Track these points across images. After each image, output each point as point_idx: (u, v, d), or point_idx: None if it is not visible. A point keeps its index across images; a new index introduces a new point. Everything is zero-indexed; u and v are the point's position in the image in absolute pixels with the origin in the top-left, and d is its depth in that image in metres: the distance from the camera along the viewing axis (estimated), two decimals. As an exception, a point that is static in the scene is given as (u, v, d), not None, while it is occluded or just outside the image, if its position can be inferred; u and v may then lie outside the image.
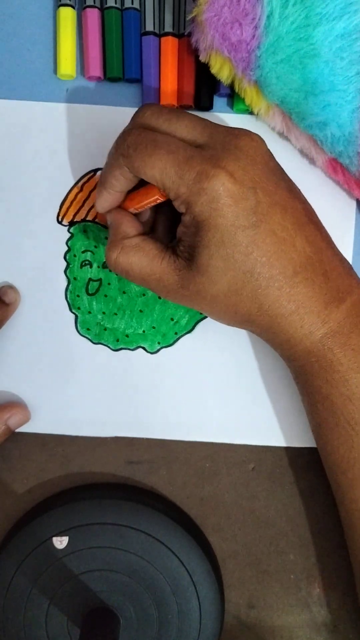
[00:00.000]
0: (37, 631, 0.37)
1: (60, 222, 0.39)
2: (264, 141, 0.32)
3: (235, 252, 0.30)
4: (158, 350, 0.39)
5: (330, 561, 0.39)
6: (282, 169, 0.33)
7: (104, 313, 0.39)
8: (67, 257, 0.39)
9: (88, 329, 0.39)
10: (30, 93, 0.39)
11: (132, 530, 0.37)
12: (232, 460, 0.39)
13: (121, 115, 0.39)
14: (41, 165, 0.39)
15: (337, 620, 0.39)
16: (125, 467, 0.39)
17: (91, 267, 0.39)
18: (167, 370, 0.39)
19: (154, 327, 0.39)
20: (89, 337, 0.39)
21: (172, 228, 0.37)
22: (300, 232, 0.31)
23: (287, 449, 0.39)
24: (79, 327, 0.39)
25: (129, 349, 0.39)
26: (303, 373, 0.33)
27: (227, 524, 0.39)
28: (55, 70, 0.39)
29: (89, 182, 0.39)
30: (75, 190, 0.39)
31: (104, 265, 0.39)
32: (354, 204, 0.39)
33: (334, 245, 0.33)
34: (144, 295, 0.39)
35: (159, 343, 0.39)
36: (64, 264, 0.39)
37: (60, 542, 0.37)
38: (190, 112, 0.38)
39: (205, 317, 0.39)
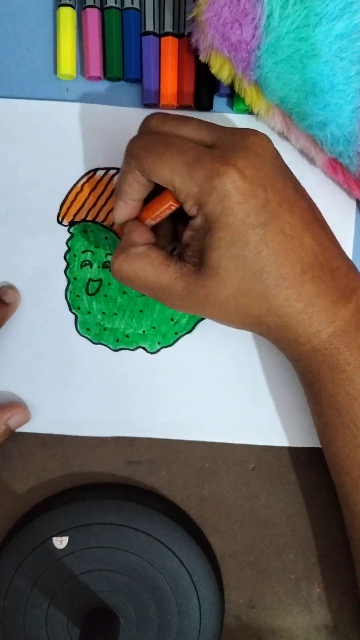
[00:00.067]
0: (37, 631, 0.37)
1: (60, 222, 0.39)
2: (270, 140, 0.32)
3: (246, 251, 0.30)
4: (158, 350, 0.39)
5: (330, 561, 0.39)
6: (288, 168, 0.33)
7: (104, 313, 0.39)
8: (67, 257, 0.39)
9: (88, 329, 0.39)
10: (30, 93, 0.39)
11: (132, 530, 0.37)
12: (232, 460, 0.39)
13: (121, 115, 0.39)
14: (41, 165, 0.39)
15: (337, 620, 0.39)
16: (125, 467, 0.39)
17: (91, 267, 0.39)
18: (167, 370, 0.39)
19: (154, 327, 0.39)
20: (89, 337, 0.39)
21: (174, 235, 0.37)
22: (308, 231, 0.32)
23: (287, 449, 0.39)
24: (79, 327, 0.39)
25: (129, 349, 0.39)
26: (309, 372, 0.33)
27: (227, 524, 0.39)
28: (55, 70, 0.39)
29: (89, 182, 0.39)
30: (75, 190, 0.39)
31: (104, 265, 0.39)
32: (354, 204, 0.39)
33: (339, 244, 0.34)
34: (144, 295, 0.39)
35: (159, 343, 0.39)
36: (64, 264, 0.39)
37: (60, 542, 0.37)
38: (191, 112, 0.38)
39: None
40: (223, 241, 0.30)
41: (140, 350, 0.39)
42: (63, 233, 0.39)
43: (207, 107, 0.39)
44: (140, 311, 0.39)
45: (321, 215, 0.33)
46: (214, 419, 0.39)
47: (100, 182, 0.39)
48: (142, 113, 0.39)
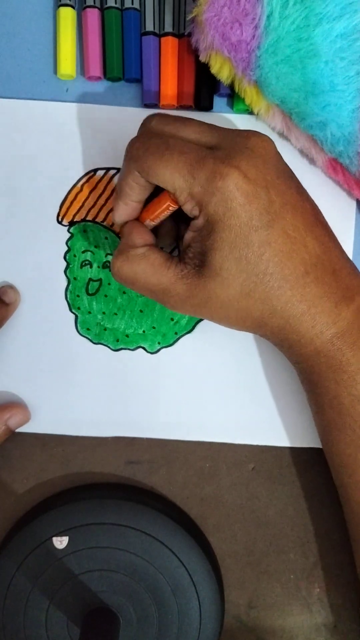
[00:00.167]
0: (37, 631, 0.37)
1: (60, 222, 0.39)
2: (273, 142, 0.32)
3: (249, 252, 0.30)
4: (158, 350, 0.39)
5: (330, 561, 0.39)
6: (290, 169, 0.33)
7: (104, 313, 0.39)
8: (67, 257, 0.39)
9: (88, 329, 0.39)
10: (30, 93, 0.39)
11: (132, 530, 0.37)
12: (232, 460, 0.39)
13: (121, 115, 0.39)
14: (41, 165, 0.39)
15: (337, 620, 0.39)
16: (125, 467, 0.39)
17: (91, 267, 0.39)
18: (167, 370, 0.39)
19: (154, 327, 0.39)
20: (89, 337, 0.39)
21: (174, 237, 0.37)
22: (310, 232, 0.31)
23: (287, 449, 0.39)
24: (79, 327, 0.39)
25: (129, 349, 0.39)
26: (311, 374, 0.33)
27: (227, 524, 0.39)
28: (55, 70, 0.39)
29: (89, 182, 0.39)
30: (76, 190, 0.39)
31: (104, 265, 0.39)
32: (354, 204, 0.39)
33: (340, 245, 0.34)
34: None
35: (159, 343, 0.39)
36: (64, 264, 0.39)
37: (60, 542, 0.37)
38: (191, 113, 0.39)
39: (205, 317, 0.39)
40: (225, 242, 0.30)
41: (141, 350, 0.39)
42: (63, 233, 0.39)
43: (207, 107, 0.39)
44: (141, 311, 0.39)
45: (323, 217, 0.33)
46: (214, 419, 0.39)
47: (100, 182, 0.39)
48: (142, 113, 0.39)
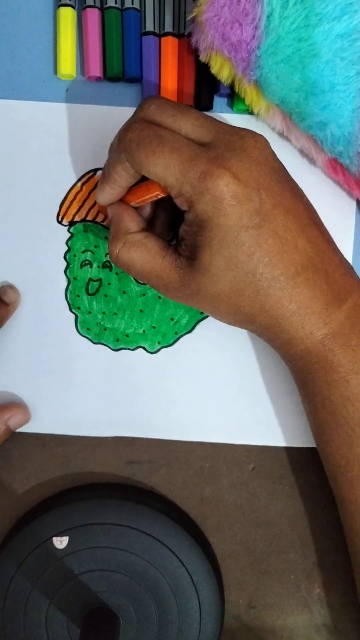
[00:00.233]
0: (37, 631, 0.37)
1: (60, 222, 0.39)
2: (268, 143, 0.32)
3: (238, 252, 0.30)
4: (158, 350, 0.39)
5: (330, 561, 0.39)
6: (285, 170, 0.33)
7: (104, 313, 0.39)
8: (67, 257, 0.39)
9: (88, 329, 0.39)
10: (30, 93, 0.39)
11: (132, 530, 0.37)
12: (232, 460, 0.39)
13: (121, 115, 0.39)
14: (41, 165, 0.39)
15: (337, 620, 0.39)
16: (125, 467, 0.39)
17: (91, 267, 0.39)
18: (167, 370, 0.39)
19: (154, 327, 0.39)
20: (89, 337, 0.39)
21: (172, 224, 0.37)
22: (303, 233, 0.31)
23: (287, 449, 0.39)
24: (79, 327, 0.39)
25: (129, 349, 0.39)
26: (303, 374, 0.33)
27: (227, 524, 0.39)
28: (55, 70, 0.39)
29: (89, 182, 0.39)
30: (75, 190, 0.39)
31: (104, 265, 0.39)
32: (354, 204, 0.39)
33: (336, 246, 0.33)
34: (144, 295, 0.39)
35: (159, 343, 0.39)
36: (64, 264, 0.39)
37: (60, 542, 0.37)
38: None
39: (206, 317, 0.39)
40: (214, 241, 0.30)
41: (140, 350, 0.39)
42: (63, 233, 0.39)
43: (207, 107, 0.39)
44: (141, 311, 0.39)
45: (318, 218, 0.33)
46: (214, 419, 0.39)
47: (100, 182, 0.39)
48: (142, 113, 0.39)
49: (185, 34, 0.38)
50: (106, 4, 0.38)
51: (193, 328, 0.39)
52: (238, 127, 0.32)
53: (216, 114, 0.39)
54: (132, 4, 0.38)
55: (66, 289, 0.39)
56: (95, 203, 0.39)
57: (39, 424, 0.39)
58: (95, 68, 0.38)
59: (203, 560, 0.37)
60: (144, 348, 0.39)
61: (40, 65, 0.39)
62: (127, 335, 0.39)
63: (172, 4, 0.38)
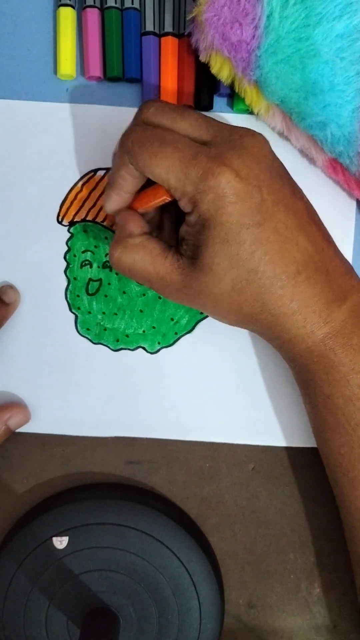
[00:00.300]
0: (37, 631, 0.37)
1: (60, 222, 0.39)
2: (267, 141, 0.32)
3: (240, 250, 0.30)
4: (158, 350, 0.39)
5: (330, 561, 0.39)
6: (285, 168, 0.33)
7: (104, 313, 0.39)
8: (67, 257, 0.39)
9: (88, 329, 0.39)
10: (30, 93, 0.39)
11: (132, 530, 0.37)
12: (232, 460, 0.39)
13: (121, 115, 0.39)
14: (41, 165, 0.39)
15: (337, 620, 0.39)
16: (125, 467, 0.39)
17: (91, 267, 0.39)
18: (167, 370, 0.39)
19: (154, 327, 0.39)
20: (89, 337, 0.39)
21: (178, 229, 0.37)
22: (303, 231, 0.31)
23: (287, 449, 0.39)
24: (78, 327, 0.39)
25: (129, 349, 0.39)
26: (304, 373, 0.33)
27: (227, 524, 0.39)
28: (55, 70, 0.39)
29: (89, 182, 0.39)
30: (75, 190, 0.39)
31: (104, 265, 0.39)
32: (354, 204, 0.39)
33: (335, 245, 0.33)
34: (144, 295, 0.39)
35: (159, 343, 0.39)
36: (64, 264, 0.39)
37: (60, 542, 0.37)
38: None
39: (206, 317, 0.39)
40: (217, 239, 0.30)
41: (140, 350, 0.39)
42: (63, 233, 0.39)
43: (207, 107, 0.39)
44: (140, 311, 0.39)
45: (318, 217, 0.33)
46: (214, 419, 0.39)
47: (100, 182, 0.39)
48: (142, 113, 0.39)
49: (185, 34, 0.38)
50: (106, 4, 0.38)
51: (193, 328, 0.39)
52: (237, 126, 0.32)
53: (216, 114, 0.39)
54: (132, 4, 0.38)
55: (66, 289, 0.39)
56: (95, 203, 0.39)
57: (39, 424, 0.39)
58: (95, 68, 0.38)
59: (203, 560, 0.37)
60: (144, 348, 0.39)
61: (40, 65, 0.39)
62: (127, 336, 0.39)
63: (172, 4, 0.38)
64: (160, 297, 0.39)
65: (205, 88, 0.38)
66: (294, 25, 0.33)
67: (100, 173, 0.39)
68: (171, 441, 0.39)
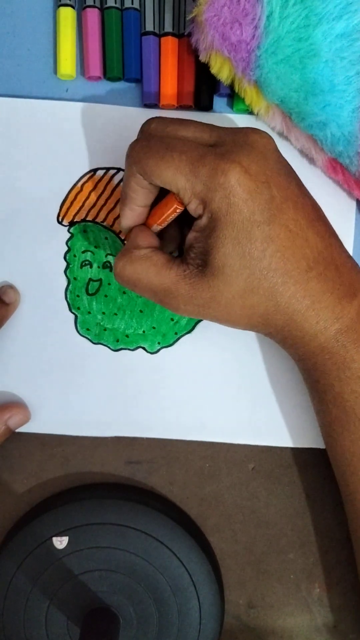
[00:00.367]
0: (37, 631, 0.37)
1: (60, 222, 0.39)
2: (272, 138, 0.32)
3: (252, 248, 0.30)
4: (158, 351, 0.39)
5: (330, 561, 0.39)
6: (290, 166, 0.33)
7: (103, 313, 0.39)
8: (67, 257, 0.39)
9: (88, 329, 0.39)
10: (30, 93, 0.39)
11: (132, 530, 0.37)
12: (232, 460, 0.39)
13: (121, 115, 0.39)
14: (41, 165, 0.39)
15: (337, 620, 0.39)
16: (125, 467, 0.39)
17: (91, 267, 0.39)
18: (167, 370, 0.39)
19: (154, 327, 0.39)
20: (89, 337, 0.39)
21: (181, 241, 0.37)
22: (312, 228, 0.32)
23: (287, 449, 0.39)
24: (78, 327, 0.39)
25: (129, 349, 0.39)
26: (315, 371, 0.33)
27: (227, 524, 0.39)
28: (55, 70, 0.39)
29: (89, 182, 0.39)
30: (76, 190, 0.39)
31: (104, 266, 0.39)
32: (354, 204, 0.39)
33: (341, 241, 0.34)
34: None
35: (159, 343, 0.39)
36: (64, 264, 0.39)
37: (60, 542, 0.37)
38: (190, 113, 0.39)
39: (205, 317, 0.39)
40: (228, 239, 0.30)
41: (140, 350, 0.39)
42: (63, 233, 0.39)
43: (207, 107, 0.39)
44: (140, 311, 0.39)
45: (323, 213, 0.33)
46: (214, 419, 0.39)
47: (100, 182, 0.39)
48: (142, 113, 0.39)
49: (185, 34, 0.38)
50: (106, 4, 0.38)
51: (193, 328, 0.39)
52: (240, 127, 0.32)
53: (216, 114, 0.39)
54: (132, 4, 0.38)
55: (66, 289, 0.39)
56: (95, 203, 0.39)
57: (39, 424, 0.39)
58: (95, 68, 0.38)
59: (203, 560, 0.37)
60: (144, 348, 0.39)
61: (40, 65, 0.39)
62: (127, 336, 0.39)
63: (172, 4, 0.38)
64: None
65: (205, 88, 0.38)
66: (293, 25, 0.33)
67: (100, 173, 0.39)
68: (171, 441, 0.39)
